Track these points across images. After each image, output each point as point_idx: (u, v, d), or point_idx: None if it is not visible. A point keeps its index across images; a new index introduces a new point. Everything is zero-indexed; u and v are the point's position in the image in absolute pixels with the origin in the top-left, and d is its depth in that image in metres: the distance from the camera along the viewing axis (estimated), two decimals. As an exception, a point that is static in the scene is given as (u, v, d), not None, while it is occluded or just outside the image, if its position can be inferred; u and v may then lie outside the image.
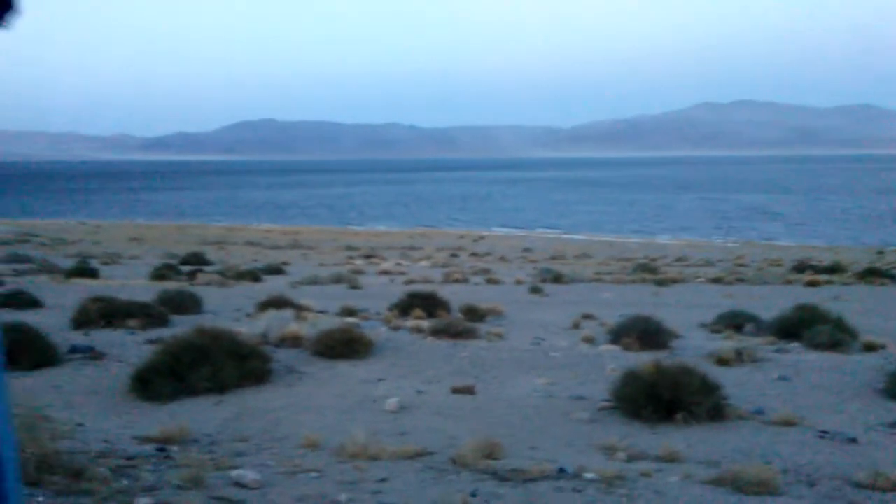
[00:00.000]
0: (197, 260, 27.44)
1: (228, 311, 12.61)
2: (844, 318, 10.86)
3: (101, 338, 9.22)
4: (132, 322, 10.03)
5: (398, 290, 15.43)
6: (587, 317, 12.71)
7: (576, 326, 11.78)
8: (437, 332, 9.98)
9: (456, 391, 7.19)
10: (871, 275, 23.40)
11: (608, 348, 9.55)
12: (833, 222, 68.32)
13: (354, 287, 18.10)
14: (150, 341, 8.89)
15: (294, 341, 9.00)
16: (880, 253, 42.32)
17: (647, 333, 9.74)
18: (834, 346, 9.56)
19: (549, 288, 18.61)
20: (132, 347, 8.76)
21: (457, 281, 20.39)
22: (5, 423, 1.19)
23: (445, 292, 14.40)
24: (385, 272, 24.28)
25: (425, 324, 10.73)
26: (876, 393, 7.26)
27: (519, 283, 20.27)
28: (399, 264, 28.48)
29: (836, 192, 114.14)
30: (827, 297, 16.37)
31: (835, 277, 23.40)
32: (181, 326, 9.70)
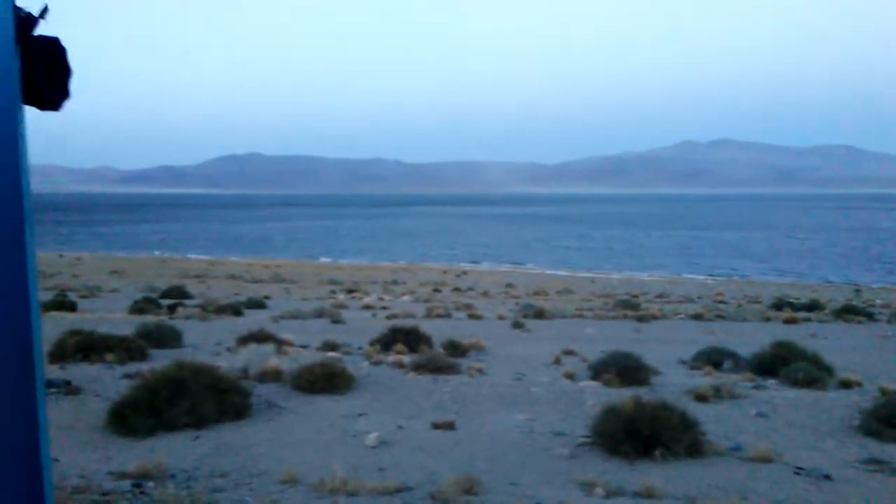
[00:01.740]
0: (177, 293, 27.24)
1: (209, 345, 12.53)
2: (821, 355, 11.01)
3: (77, 372, 9.13)
4: (110, 356, 9.95)
5: (380, 325, 15.41)
6: (568, 352, 12.75)
7: (557, 362, 11.81)
8: (418, 367, 9.98)
9: (436, 426, 7.19)
10: (848, 312, 23.70)
11: (589, 384, 9.59)
12: (802, 260, 69.27)
13: (336, 321, 18.03)
14: (128, 375, 8.82)
15: (274, 376, 8.97)
16: (857, 291, 42.89)
17: (627, 369, 9.80)
18: (811, 383, 9.67)
19: (530, 323, 18.64)
20: (109, 382, 8.67)
21: (439, 316, 20.37)
22: (46, 446, 1.22)
23: (427, 327, 14.41)
24: (367, 306, 24.21)
25: (407, 359, 10.73)
26: (852, 430, 7.35)
27: (501, 318, 20.29)
28: (381, 299, 28.42)
29: (808, 230, 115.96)
30: (804, 335, 16.58)
31: (812, 315, 23.67)
32: (160, 360, 9.64)
